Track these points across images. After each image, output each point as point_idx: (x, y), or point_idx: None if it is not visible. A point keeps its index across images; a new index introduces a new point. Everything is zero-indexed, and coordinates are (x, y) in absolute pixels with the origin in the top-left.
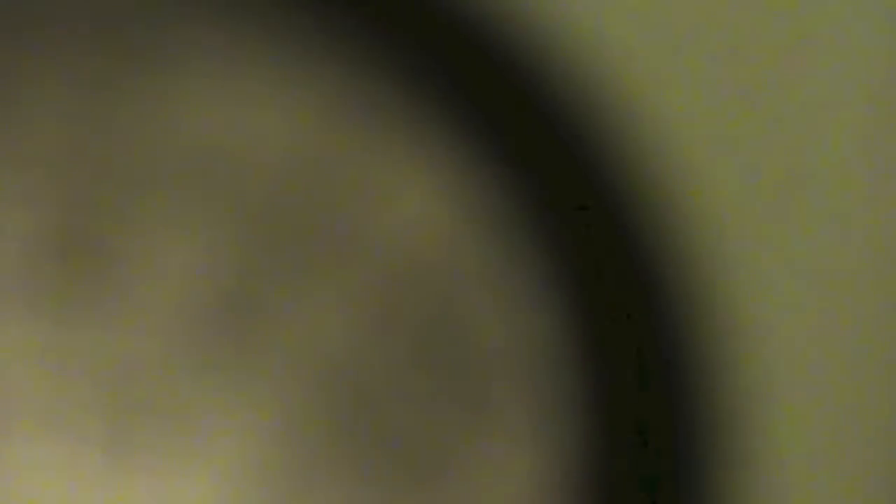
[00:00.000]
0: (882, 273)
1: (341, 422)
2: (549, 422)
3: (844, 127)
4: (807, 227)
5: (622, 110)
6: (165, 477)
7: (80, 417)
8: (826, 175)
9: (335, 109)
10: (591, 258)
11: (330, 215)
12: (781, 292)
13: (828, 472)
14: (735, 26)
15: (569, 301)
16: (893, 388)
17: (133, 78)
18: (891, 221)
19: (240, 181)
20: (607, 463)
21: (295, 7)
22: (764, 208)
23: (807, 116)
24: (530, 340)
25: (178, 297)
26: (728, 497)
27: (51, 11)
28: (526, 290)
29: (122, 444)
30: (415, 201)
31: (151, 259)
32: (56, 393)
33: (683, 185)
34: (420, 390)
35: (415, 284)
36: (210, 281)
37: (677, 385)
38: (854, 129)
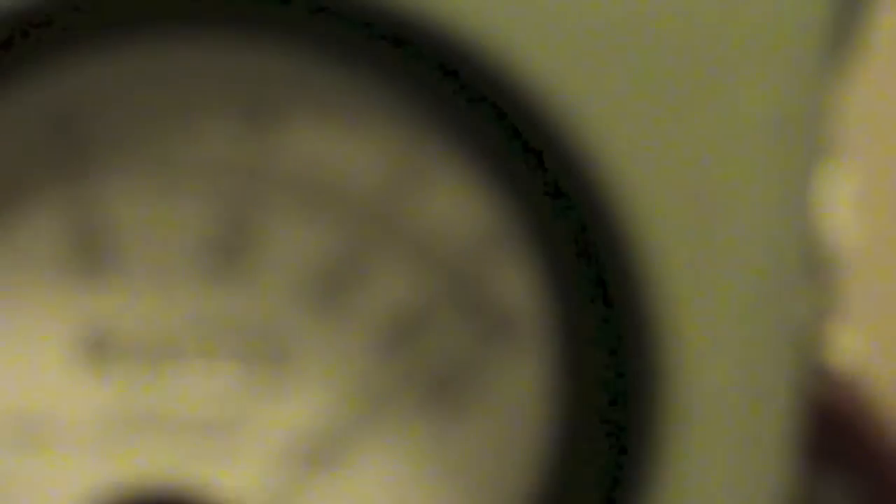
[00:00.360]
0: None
1: (405, 357)
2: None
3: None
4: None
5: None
6: (287, 394)
7: (230, 354)
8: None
9: (407, 136)
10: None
11: (402, 214)
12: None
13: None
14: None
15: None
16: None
17: (270, 114)
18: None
19: (342, 188)
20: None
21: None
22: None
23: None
24: (528, 305)
25: (298, 272)
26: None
27: (216, 66)
28: (525, 268)
29: (258, 373)
30: (458, 205)
31: (281, 245)
32: (213, 339)
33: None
34: (457, 331)
35: (456, 263)
36: (320, 260)
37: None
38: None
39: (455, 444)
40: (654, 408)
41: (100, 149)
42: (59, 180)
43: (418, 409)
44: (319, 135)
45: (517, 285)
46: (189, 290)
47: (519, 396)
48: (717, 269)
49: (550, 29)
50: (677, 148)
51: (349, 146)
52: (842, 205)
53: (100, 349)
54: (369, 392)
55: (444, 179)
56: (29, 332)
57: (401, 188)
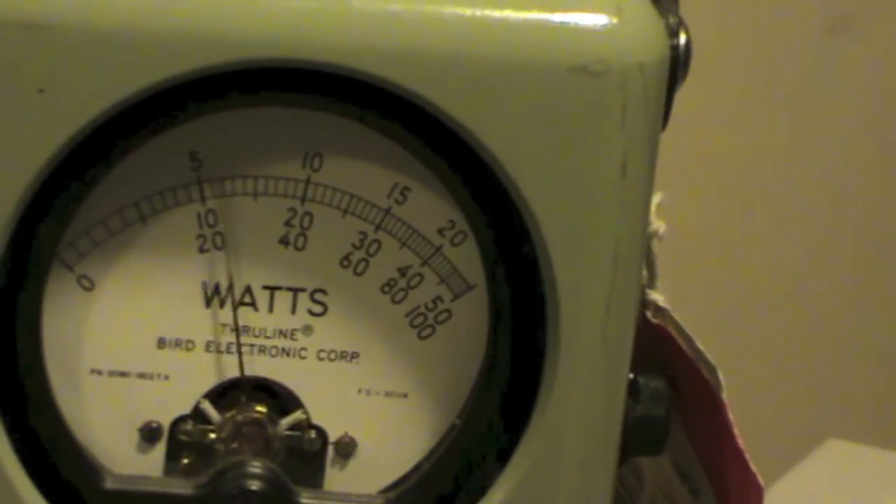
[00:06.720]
0: None
1: (401, 300)
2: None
3: None
4: None
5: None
6: (327, 321)
7: (292, 298)
8: None
9: (400, 164)
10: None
11: (398, 211)
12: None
13: None
14: None
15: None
16: None
17: (318, 148)
18: None
19: (360, 195)
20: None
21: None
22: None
23: None
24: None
25: (335, 246)
26: None
27: None
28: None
29: (310, 307)
30: (432, 207)
31: (325, 229)
32: (282, 287)
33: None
34: (432, 286)
35: (433, 243)
36: (348, 239)
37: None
38: None
39: (423, 355)
40: (547, 345)
41: (214, 170)
42: (189, 190)
43: (405, 332)
44: (346, 162)
45: (472, 261)
46: (265, 259)
47: (467, 331)
48: (594, 253)
49: (490, 101)
50: (577, 183)
51: (363, 170)
52: (653, 213)
53: (212, 294)
54: (377, 321)
55: (423, 191)
56: (173, 283)
57: (397, 195)
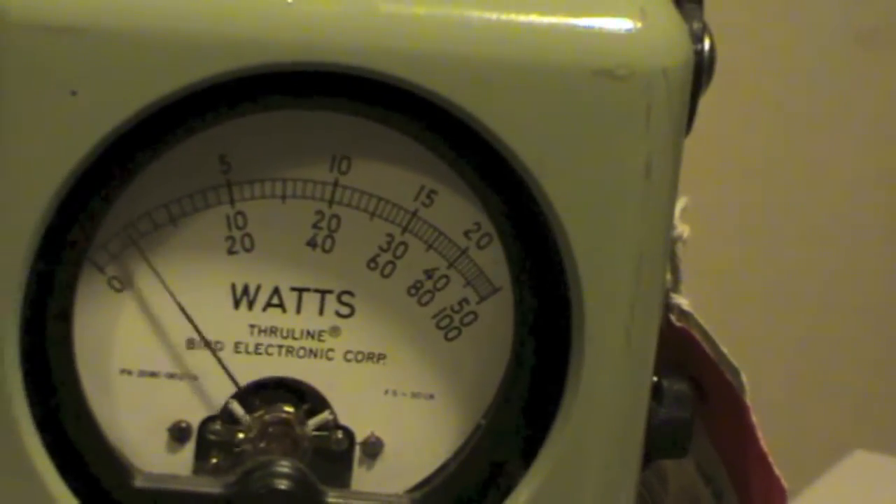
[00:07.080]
0: None
1: (427, 302)
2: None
3: None
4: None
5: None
6: (354, 323)
7: (319, 299)
8: None
9: (427, 166)
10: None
11: (423, 213)
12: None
13: None
14: None
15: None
16: None
17: (346, 150)
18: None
19: (386, 197)
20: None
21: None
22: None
23: None
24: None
25: (362, 248)
26: None
27: None
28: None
29: (337, 309)
30: (458, 209)
31: (352, 232)
32: (309, 289)
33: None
34: (458, 288)
35: (458, 245)
36: (375, 241)
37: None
38: None
39: (449, 357)
40: (571, 348)
41: (243, 173)
42: (217, 192)
43: (431, 334)
44: (374, 165)
45: (498, 263)
46: (293, 261)
47: (493, 333)
48: (618, 256)
49: (515, 104)
50: (602, 187)
51: (391, 173)
52: (678, 217)
53: (241, 295)
54: (404, 322)
55: (449, 193)
56: (201, 284)
57: (423, 198)
